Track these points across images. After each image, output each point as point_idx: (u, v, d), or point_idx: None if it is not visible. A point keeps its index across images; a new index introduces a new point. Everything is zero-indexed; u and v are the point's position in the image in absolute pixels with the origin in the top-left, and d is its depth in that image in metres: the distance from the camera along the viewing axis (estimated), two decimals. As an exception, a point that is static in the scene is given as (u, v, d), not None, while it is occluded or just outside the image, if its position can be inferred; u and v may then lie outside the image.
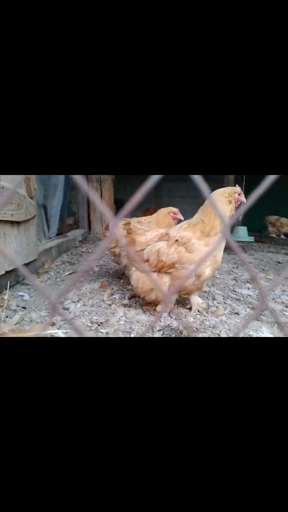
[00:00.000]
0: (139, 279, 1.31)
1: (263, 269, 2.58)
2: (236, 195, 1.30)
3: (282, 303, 1.73)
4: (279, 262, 2.94)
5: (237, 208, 1.32)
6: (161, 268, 1.27)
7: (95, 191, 4.11)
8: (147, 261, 1.29)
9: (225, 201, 1.29)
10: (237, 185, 1.40)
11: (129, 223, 1.43)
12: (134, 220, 1.46)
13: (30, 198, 2.00)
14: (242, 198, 1.32)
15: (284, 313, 1.57)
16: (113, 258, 1.85)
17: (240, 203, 1.32)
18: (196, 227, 1.30)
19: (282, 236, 4.09)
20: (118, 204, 5.00)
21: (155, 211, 4.50)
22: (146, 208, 4.40)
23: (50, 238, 2.97)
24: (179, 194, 5.88)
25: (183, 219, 1.51)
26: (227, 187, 1.37)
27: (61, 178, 3.23)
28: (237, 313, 1.49)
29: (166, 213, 1.79)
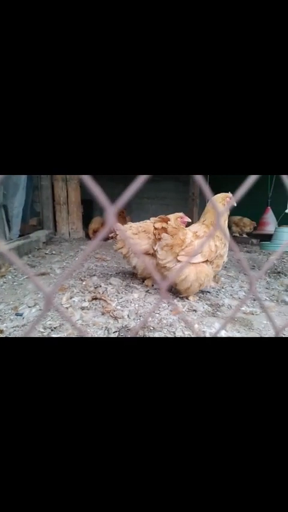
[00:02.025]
0: (188, 275, 1.56)
1: (225, 266, 2.70)
2: (227, 199, 1.65)
3: (239, 298, 1.82)
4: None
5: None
6: (213, 258, 1.59)
7: (60, 191, 3.98)
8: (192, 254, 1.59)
9: (221, 205, 1.65)
10: (229, 192, 1.68)
11: (165, 222, 1.61)
12: (173, 220, 1.63)
13: (-17, 197, 1.87)
14: (233, 202, 1.54)
15: (241, 308, 1.65)
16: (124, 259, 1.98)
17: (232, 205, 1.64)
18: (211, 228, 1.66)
19: (245, 235, 4.32)
20: (86, 205, 4.90)
21: (123, 213, 4.48)
22: (114, 208, 4.38)
23: (12, 239, 2.81)
24: (148, 195, 5.92)
25: (191, 221, 1.72)
26: (221, 194, 1.69)
27: (23, 177, 3.08)
28: (195, 310, 1.53)
29: (175, 218, 1.89)
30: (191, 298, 1.71)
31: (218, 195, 1.70)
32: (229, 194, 1.66)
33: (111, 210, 0.28)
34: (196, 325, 1.31)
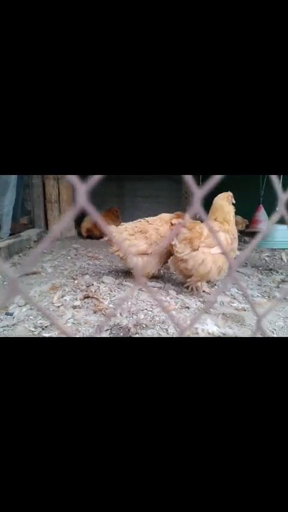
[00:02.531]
0: (205, 259, 1.64)
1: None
2: (230, 197, 1.80)
3: (231, 295, 1.83)
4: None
5: None
6: (229, 251, 1.69)
7: (52, 189, 3.93)
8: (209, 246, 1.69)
9: (228, 203, 1.78)
10: (229, 191, 1.80)
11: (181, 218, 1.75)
12: (187, 219, 1.69)
13: None
14: (233, 200, 1.84)
15: (232, 304, 1.66)
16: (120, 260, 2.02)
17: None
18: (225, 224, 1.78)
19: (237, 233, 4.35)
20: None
21: (117, 211, 4.44)
22: (108, 208, 4.35)
23: (2, 238, 2.76)
24: (142, 194, 5.90)
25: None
26: (224, 193, 1.79)
27: (13, 175, 3.02)
28: (188, 307, 1.53)
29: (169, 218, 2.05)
30: (205, 288, 1.79)
31: (222, 194, 1.82)
32: (230, 193, 1.80)
33: (81, 189, 0.26)
34: (188, 321, 1.30)
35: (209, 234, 1.69)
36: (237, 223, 4.37)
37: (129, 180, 5.85)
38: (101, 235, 4.13)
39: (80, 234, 4.19)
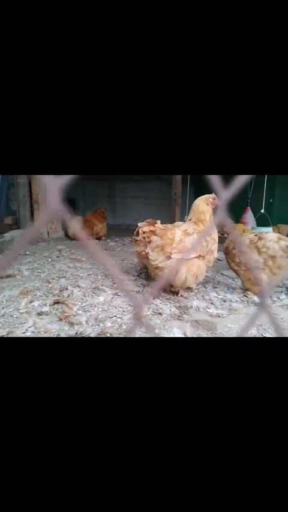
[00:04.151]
0: (178, 270, 1.62)
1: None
2: (210, 199, 1.78)
3: (210, 299, 1.78)
4: (219, 260, 3.09)
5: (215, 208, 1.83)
6: (205, 253, 1.69)
7: (38, 188, 3.86)
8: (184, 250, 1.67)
9: (204, 204, 1.78)
10: (212, 193, 1.76)
11: (152, 225, 1.74)
12: (159, 225, 1.77)
13: None
14: (217, 201, 1.79)
15: (208, 310, 1.61)
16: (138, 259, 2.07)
17: (216, 205, 1.80)
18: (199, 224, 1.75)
19: (226, 235, 4.33)
20: (69, 203, 4.78)
21: (103, 212, 4.38)
22: (95, 209, 4.31)
23: (-18, 240, 2.69)
24: (132, 194, 5.86)
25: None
26: (204, 195, 1.81)
27: (-5, 174, 2.95)
28: (160, 313, 1.48)
29: (206, 199, 2.04)
30: (183, 292, 1.78)
31: (202, 196, 1.82)
32: (212, 195, 1.80)
33: (54, 189, 0.21)
34: (156, 330, 1.26)
35: (182, 240, 1.65)
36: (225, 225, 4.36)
37: (120, 181, 5.80)
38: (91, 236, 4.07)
39: (67, 235, 4.13)
